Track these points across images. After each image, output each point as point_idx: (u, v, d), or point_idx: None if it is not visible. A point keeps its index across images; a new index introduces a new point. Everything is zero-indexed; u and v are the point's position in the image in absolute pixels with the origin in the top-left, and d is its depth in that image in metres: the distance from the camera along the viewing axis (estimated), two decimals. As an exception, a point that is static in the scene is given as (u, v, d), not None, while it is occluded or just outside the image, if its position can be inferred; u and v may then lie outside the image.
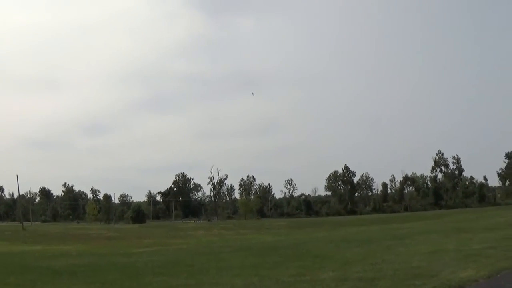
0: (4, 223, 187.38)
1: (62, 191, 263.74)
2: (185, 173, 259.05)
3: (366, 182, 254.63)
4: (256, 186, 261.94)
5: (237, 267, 27.24)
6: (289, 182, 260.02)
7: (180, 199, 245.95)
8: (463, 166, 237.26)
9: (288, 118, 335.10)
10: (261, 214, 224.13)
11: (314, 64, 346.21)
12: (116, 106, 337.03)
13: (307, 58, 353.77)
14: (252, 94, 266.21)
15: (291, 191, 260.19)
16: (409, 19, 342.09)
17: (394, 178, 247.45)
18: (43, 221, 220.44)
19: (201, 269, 27.06)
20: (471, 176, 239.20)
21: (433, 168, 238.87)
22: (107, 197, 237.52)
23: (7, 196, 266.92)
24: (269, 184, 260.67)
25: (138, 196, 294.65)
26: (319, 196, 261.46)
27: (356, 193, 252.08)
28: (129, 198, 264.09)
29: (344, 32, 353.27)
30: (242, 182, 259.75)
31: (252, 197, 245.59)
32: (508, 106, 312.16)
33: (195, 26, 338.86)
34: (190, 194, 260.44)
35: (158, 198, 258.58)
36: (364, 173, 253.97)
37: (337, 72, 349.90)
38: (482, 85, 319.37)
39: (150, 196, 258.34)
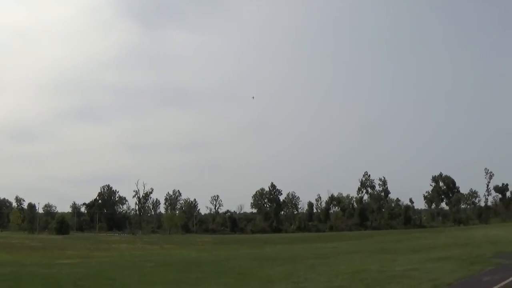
0: None
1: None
2: (111, 185, 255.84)
3: (292, 200, 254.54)
4: (182, 201, 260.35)
5: (159, 282, 27.16)
6: (215, 198, 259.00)
7: (104, 211, 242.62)
8: (389, 188, 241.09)
9: (217, 134, 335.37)
10: (186, 229, 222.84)
11: (245, 82, 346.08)
12: (45, 114, 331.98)
13: (239, 76, 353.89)
14: (253, 98, 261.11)
15: (216, 207, 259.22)
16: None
17: (320, 197, 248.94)
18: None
19: (123, 283, 26.85)
20: (397, 198, 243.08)
21: (359, 189, 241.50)
22: (31, 206, 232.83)
23: None
24: (194, 199, 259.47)
25: (63, 207, 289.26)
26: (245, 213, 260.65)
27: (282, 211, 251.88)
28: (53, 208, 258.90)
29: (277, 52, 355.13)
30: (167, 197, 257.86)
31: (177, 212, 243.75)
32: (435, 131, 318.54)
33: (129, 37, 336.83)
34: (115, 207, 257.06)
35: (83, 209, 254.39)
36: (291, 192, 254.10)
37: (268, 91, 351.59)
38: (410, 109, 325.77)
39: (75, 207, 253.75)
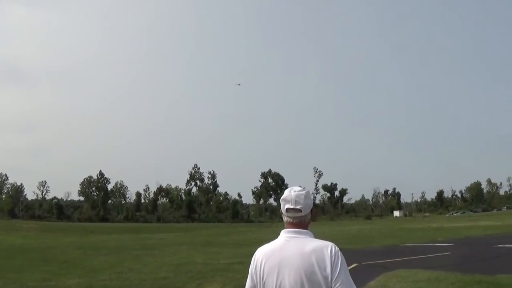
0: None
1: None
2: None
3: (120, 190, 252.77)
4: (9, 185, 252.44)
5: (-20, 269, 26.39)
6: (43, 184, 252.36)
7: None
8: (218, 182, 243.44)
9: (48, 117, 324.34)
10: (12, 215, 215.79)
11: (84, 65, 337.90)
12: None
13: (78, 58, 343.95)
14: (239, 85, 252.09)
15: (43, 193, 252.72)
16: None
17: (148, 188, 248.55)
18: None
19: None
20: (226, 192, 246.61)
21: (188, 181, 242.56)
22: None
23: None
24: (21, 184, 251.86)
25: None
26: (72, 201, 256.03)
27: (110, 200, 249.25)
28: None
29: (116, 35, 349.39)
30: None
31: (3, 197, 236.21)
32: (266, 128, 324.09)
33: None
34: None
35: None
36: (119, 181, 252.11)
37: (110, 75, 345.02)
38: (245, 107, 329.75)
39: None
